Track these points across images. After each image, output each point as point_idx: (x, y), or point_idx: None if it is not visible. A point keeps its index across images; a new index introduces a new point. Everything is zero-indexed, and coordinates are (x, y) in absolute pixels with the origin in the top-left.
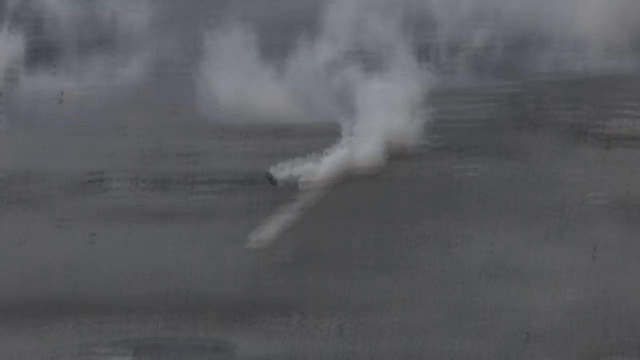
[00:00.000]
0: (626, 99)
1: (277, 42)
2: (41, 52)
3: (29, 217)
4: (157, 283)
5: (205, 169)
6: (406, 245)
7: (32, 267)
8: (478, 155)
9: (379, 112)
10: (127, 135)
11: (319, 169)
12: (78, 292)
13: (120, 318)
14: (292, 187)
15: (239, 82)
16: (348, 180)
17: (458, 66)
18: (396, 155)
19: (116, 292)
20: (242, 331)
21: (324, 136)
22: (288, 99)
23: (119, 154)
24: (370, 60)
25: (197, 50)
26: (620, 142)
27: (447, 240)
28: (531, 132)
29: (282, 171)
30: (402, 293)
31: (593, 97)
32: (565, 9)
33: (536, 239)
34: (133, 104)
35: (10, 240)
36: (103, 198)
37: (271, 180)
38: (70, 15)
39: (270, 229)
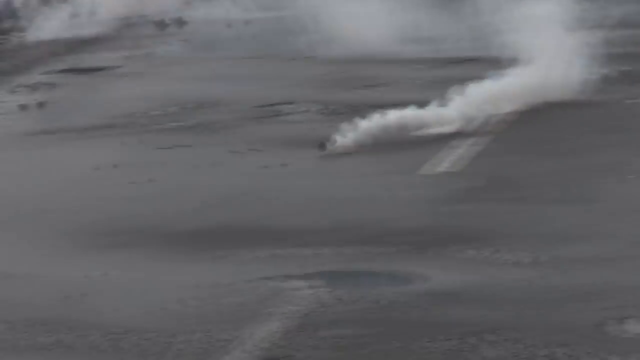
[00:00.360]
0: None
1: None
2: None
3: (215, 144)
4: (335, 213)
5: (388, 97)
6: (592, 176)
7: (213, 195)
8: None
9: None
10: (314, 64)
11: (500, 97)
12: (271, 220)
13: (296, 249)
14: (474, 117)
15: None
16: (530, 110)
17: None
18: (569, 85)
19: (293, 221)
20: (431, 262)
21: (502, 66)
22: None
23: (306, 82)
24: None
25: None
26: None
27: (631, 172)
28: None
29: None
30: (593, 224)
31: None
32: None
33: None
34: (317, 34)
35: (196, 167)
36: (289, 125)
37: (323, 146)
38: None
39: (457, 158)
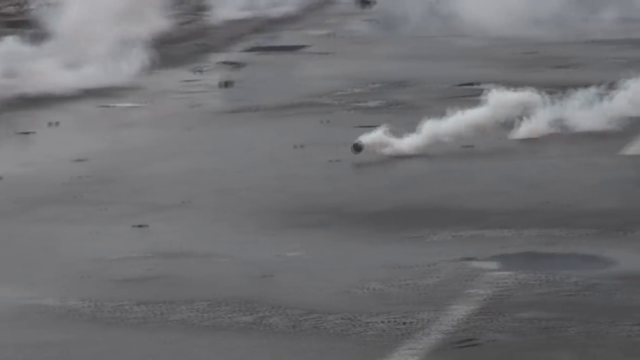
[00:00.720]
0: None
1: None
2: None
3: (405, 124)
4: (525, 194)
5: (583, 78)
6: None
7: (403, 175)
8: None
9: None
10: (500, 44)
11: None
12: (456, 202)
13: (485, 230)
14: None
15: None
16: None
17: None
18: None
19: (493, 204)
20: (621, 245)
21: None
22: None
23: (495, 62)
24: None
25: None
26: None
27: None
28: None
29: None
30: None
31: None
32: None
33: None
34: (503, 14)
35: None
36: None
37: (358, 148)
38: None
39: None
